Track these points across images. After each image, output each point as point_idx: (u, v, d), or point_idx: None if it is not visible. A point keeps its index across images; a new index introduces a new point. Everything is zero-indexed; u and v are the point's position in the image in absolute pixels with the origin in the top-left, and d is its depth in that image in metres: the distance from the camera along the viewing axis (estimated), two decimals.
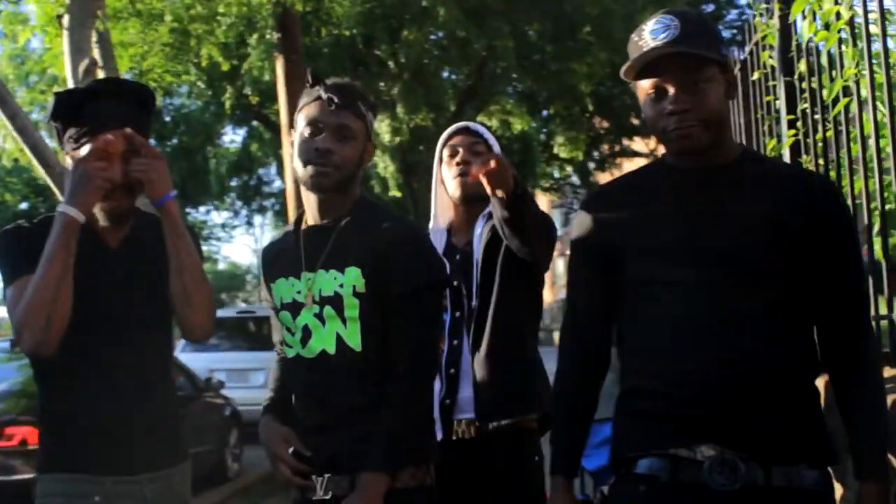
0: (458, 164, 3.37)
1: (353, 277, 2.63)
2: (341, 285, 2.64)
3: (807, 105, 3.97)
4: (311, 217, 2.78)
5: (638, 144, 28.00)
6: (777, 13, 4.30)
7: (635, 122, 24.58)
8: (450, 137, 3.47)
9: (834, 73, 3.56)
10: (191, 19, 12.70)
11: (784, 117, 4.25)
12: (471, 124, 3.50)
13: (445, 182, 3.45)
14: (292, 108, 14.37)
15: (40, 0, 8.18)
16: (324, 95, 2.68)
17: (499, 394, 3.23)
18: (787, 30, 4.25)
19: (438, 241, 3.37)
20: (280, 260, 2.83)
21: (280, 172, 24.70)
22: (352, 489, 2.56)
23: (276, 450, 2.72)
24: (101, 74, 7.07)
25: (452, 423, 3.26)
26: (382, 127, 17.17)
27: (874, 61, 3.29)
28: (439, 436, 3.06)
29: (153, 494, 2.70)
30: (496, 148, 3.40)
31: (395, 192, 19.31)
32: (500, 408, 3.23)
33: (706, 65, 2.25)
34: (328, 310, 2.65)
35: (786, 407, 2.22)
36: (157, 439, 2.75)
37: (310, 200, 2.75)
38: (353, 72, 17.36)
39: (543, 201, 36.99)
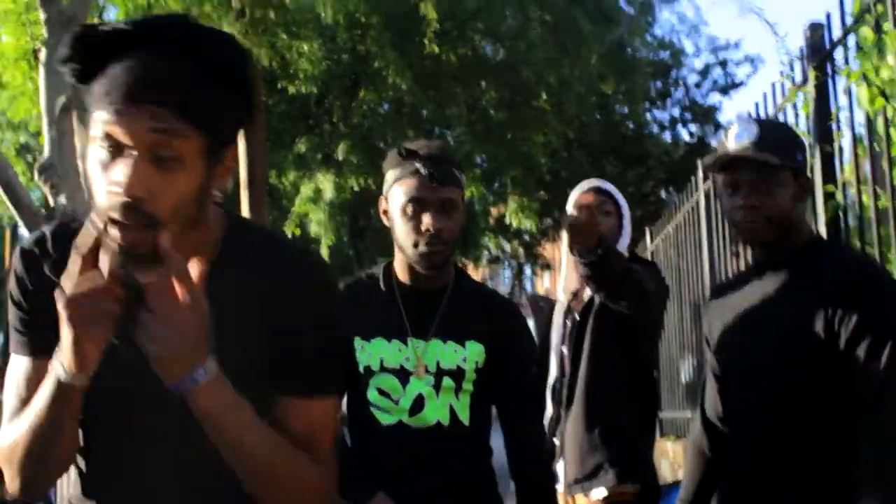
0: None
1: (475, 353, 2.70)
2: (464, 359, 2.69)
3: (850, 176, 3.88)
4: (407, 279, 2.78)
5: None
6: (812, 81, 4.22)
7: None
8: (579, 196, 3.39)
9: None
10: None
11: (819, 188, 4.14)
12: (600, 182, 3.40)
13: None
14: (251, 162, 14.26)
15: (14, 34, 7.94)
16: (423, 171, 2.64)
17: (586, 463, 3.11)
18: (823, 97, 4.17)
19: (559, 307, 3.37)
20: (371, 317, 2.74)
21: None
22: None
23: None
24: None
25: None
26: (325, 184, 16.88)
27: None
28: None
29: None
30: (625, 208, 3.32)
31: (324, 250, 18.94)
32: (587, 477, 3.12)
33: (778, 169, 2.54)
34: (447, 381, 2.68)
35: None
36: None
37: (411, 267, 2.75)
38: (304, 130, 17.20)
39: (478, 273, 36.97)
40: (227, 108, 1.59)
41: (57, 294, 1.49)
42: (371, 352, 2.71)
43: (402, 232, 2.70)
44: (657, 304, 3.47)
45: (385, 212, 2.79)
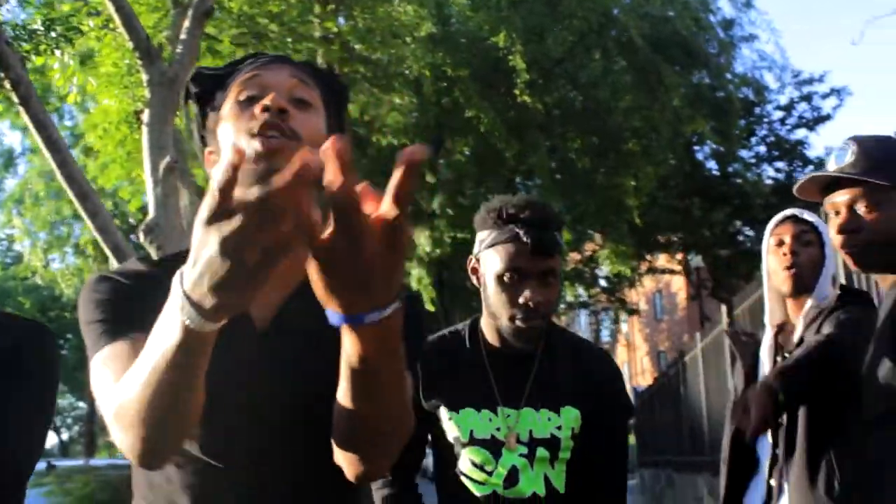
0: (784, 254, 3.12)
1: (571, 419, 2.56)
2: (559, 427, 2.55)
3: None
4: (496, 341, 2.61)
5: (661, 261, 28.03)
6: None
7: (661, 239, 24.59)
8: (776, 226, 3.19)
9: None
10: None
11: None
12: (798, 211, 3.18)
13: (772, 275, 3.19)
14: None
15: (116, 97, 7.95)
16: (525, 238, 2.44)
17: None
18: None
19: (765, 342, 3.11)
20: (459, 385, 2.59)
21: None
22: None
23: None
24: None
25: None
26: (421, 239, 16.87)
27: None
28: None
29: None
30: (826, 237, 3.07)
31: (429, 307, 18.93)
32: None
33: (879, 189, 2.39)
34: (541, 451, 2.54)
35: None
36: None
37: (501, 331, 2.57)
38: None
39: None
40: (332, 99, 1.75)
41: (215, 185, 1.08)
42: (460, 423, 2.56)
43: (496, 301, 2.52)
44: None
45: (475, 270, 2.61)
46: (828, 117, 25.21)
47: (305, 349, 1.71)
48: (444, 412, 2.57)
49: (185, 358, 1.29)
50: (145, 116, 6.78)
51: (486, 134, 15.31)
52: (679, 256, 27.32)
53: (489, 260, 2.52)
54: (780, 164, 25.67)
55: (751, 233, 26.97)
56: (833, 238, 2.46)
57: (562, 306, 27.33)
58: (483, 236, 2.55)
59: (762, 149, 25.43)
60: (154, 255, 6.51)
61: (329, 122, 1.71)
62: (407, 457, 2.38)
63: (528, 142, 16.17)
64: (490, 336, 2.62)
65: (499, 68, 14.83)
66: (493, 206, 2.52)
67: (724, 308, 11.34)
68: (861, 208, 2.40)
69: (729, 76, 20.23)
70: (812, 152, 25.40)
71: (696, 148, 23.12)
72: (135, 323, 1.59)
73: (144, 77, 6.80)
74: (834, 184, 2.44)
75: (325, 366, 1.56)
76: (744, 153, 24.12)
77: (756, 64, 23.13)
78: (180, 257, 1.57)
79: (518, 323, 2.48)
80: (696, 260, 24.90)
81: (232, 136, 1.63)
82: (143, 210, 12.54)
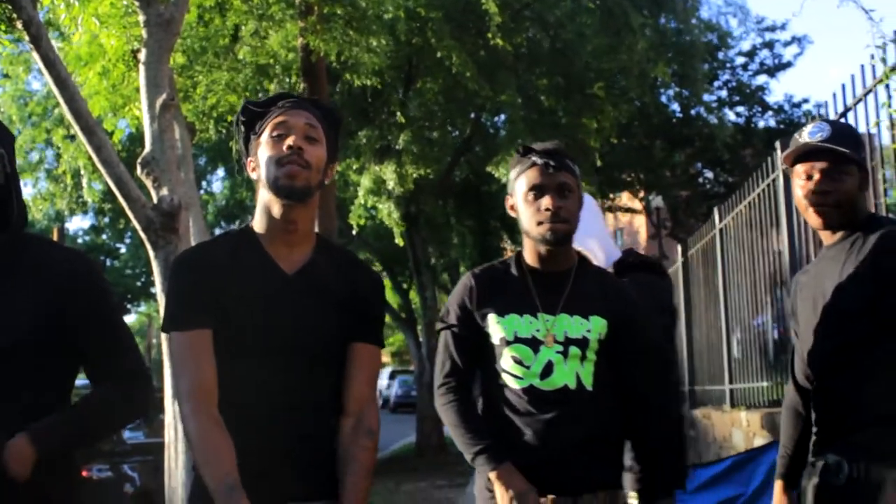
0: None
1: (599, 326, 3.05)
2: (588, 330, 3.04)
3: None
4: (536, 263, 3.13)
5: (624, 200, 28.52)
6: None
7: (626, 177, 25.05)
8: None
9: None
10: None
11: None
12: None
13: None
14: None
15: (113, 35, 8.27)
16: (539, 161, 3.04)
17: None
18: None
19: None
20: (504, 297, 3.10)
21: None
22: None
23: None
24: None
25: None
26: (388, 174, 17.24)
27: None
28: None
29: None
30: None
31: (398, 241, 19.35)
32: None
33: (845, 161, 2.93)
34: (573, 350, 3.02)
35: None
36: (307, 474, 2.62)
37: (538, 250, 3.10)
38: (363, 120, 17.54)
39: None
40: (332, 129, 2.77)
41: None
42: (506, 326, 3.05)
43: (526, 217, 3.07)
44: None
45: (512, 207, 3.16)
46: (788, 64, 25.72)
47: (321, 295, 2.69)
48: (492, 318, 3.06)
49: None
50: (142, 56, 7.12)
51: (457, 74, 15.66)
52: (641, 196, 27.81)
53: (517, 189, 3.10)
54: (740, 109, 26.16)
55: (710, 175, 27.57)
56: (801, 198, 2.99)
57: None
58: (512, 175, 3.15)
59: (724, 93, 25.91)
60: (151, 187, 6.91)
61: (329, 147, 2.73)
62: (465, 368, 3.11)
63: (498, 81, 16.53)
64: (530, 259, 3.13)
65: (470, 10, 15.17)
66: (517, 151, 3.15)
67: (679, 247, 11.93)
68: (831, 175, 2.92)
69: (694, 21, 20.65)
70: (772, 98, 25.95)
71: (660, 91, 23.56)
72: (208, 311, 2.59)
73: (141, 18, 7.12)
74: (806, 154, 2.96)
75: (333, 311, 2.68)
76: (706, 97, 24.59)
77: (721, 10, 23.54)
78: (242, 233, 2.76)
79: (546, 226, 3.01)
80: (657, 200, 25.41)
81: (265, 159, 2.66)
82: (123, 142, 12.86)
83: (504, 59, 16.45)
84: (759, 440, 6.86)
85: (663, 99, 23.83)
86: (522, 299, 3.07)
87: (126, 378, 2.62)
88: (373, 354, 2.76)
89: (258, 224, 2.72)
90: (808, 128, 3.01)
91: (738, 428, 8.11)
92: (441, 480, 16.45)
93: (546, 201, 3.00)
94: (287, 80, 14.89)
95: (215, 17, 12.62)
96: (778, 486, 3.24)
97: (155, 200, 6.79)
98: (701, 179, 27.62)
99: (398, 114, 17.00)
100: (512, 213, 3.17)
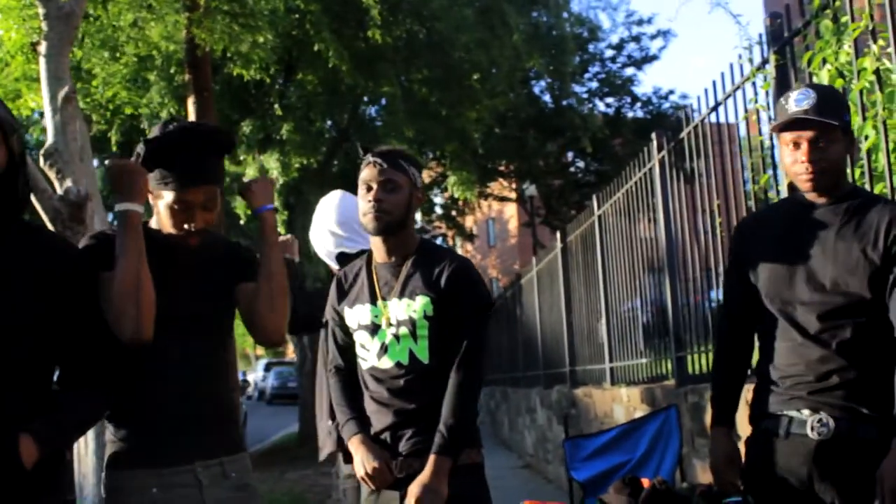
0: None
1: (423, 304, 3.36)
2: (414, 311, 3.36)
3: None
4: (378, 255, 3.50)
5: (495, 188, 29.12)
6: (773, 63, 4.93)
7: (500, 167, 25.64)
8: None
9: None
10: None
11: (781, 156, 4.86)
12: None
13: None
14: None
15: (13, 28, 8.27)
16: (371, 159, 3.40)
17: None
18: (783, 78, 4.89)
19: None
20: (354, 290, 3.52)
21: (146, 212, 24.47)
22: (420, 469, 3.25)
23: (379, 470, 3.33)
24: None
25: None
26: (270, 164, 17.42)
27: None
28: None
29: (208, 480, 2.97)
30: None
31: (280, 229, 19.47)
32: None
33: (832, 128, 3.03)
34: (402, 330, 3.38)
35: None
36: (214, 430, 3.04)
37: (376, 243, 3.48)
38: (245, 111, 17.64)
39: None
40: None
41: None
42: (354, 315, 3.48)
43: (360, 211, 3.43)
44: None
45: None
46: (654, 57, 26.67)
47: (222, 274, 3.11)
48: (346, 310, 3.51)
49: (134, 239, 2.81)
50: (42, 48, 7.19)
51: (335, 67, 15.91)
52: (514, 185, 28.44)
53: (359, 187, 3.44)
54: (610, 100, 27.01)
55: (581, 164, 28.38)
56: (790, 165, 3.08)
57: None
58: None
59: (594, 84, 26.71)
60: (54, 179, 7.02)
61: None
62: (341, 354, 3.57)
63: (378, 73, 16.84)
64: (375, 253, 3.51)
65: (349, 2, 15.44)
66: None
67: (558, 234, 12.41)
68: (820, 143, 3.00)
69: (566, 15, 21.29)
70: (639, 89, 26.87)
71: (532, 82, 24.18)
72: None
73: (41, 11, 7.19)
74: (798, 121, 3.01)
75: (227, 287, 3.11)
76: (577, 88, 25.33)
77: (591, 4, 24.29)
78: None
79: (369, 216, 3.35)
80: (531, 189, 26.04)
81: (165, 219, 2.99)
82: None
83: (383, 52, 16.74)
84: (640, 413, 7.29)
85: (536, 90, 24.46)
86: (367, 290, 3.46)
87: (102, 370, 2.78)
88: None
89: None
90: (794, 94, 3.09)
91: (619, 403, 8.58)
92: (326, 468, 16.62)
93: (371, 195, 3.36)
94: (168, 71, 14.92)
95: (98, 8, 12.60)
96: (721, 432, 3.28)
97: (59, 192, 6.90)
98: (573, 169, 28.42)
99: (278, 105, 17.16)
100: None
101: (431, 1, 17.29)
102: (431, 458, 3.24)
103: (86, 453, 7.01)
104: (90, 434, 6.89)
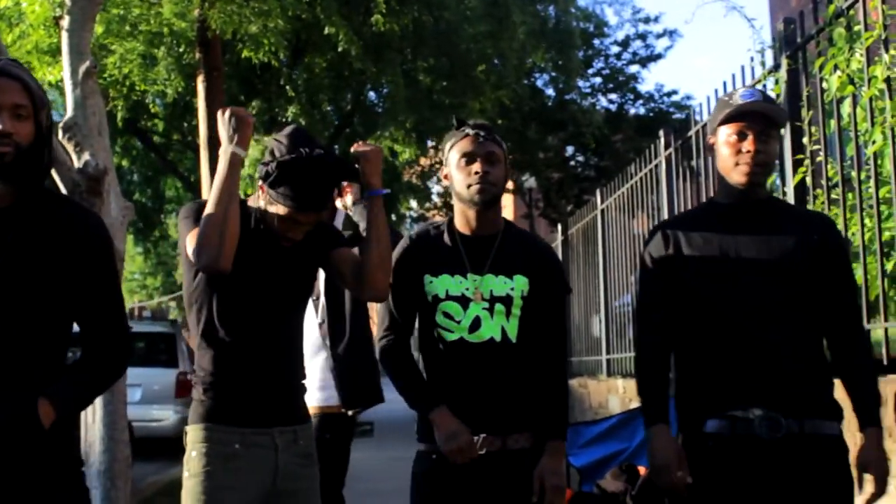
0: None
1: (521, 284, 3.36)
2: (512, 289, 3.34)
3: (817, 147, 4.74)
4: (465, 227, 3.41)
5: None
6: (785, 67, 5.07)
7: None
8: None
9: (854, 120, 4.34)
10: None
11: (789, 156, 5.01)
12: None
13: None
14: (211, 122, 14.71)
15: (36, 1, 8.34)
16: (471, 132, 3.36)
17: None
18: (794, 82, 5.03)
19: None
20: (436, 258, 3.41)
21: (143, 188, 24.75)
22: (504, 447, 3.28)
23: (470, 445, 3.24)
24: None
25: None
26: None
27: None
28: None
29: (282, 444, 3.20)
30: None
31: None
32: None
33: (773, 126, 3.12)
34: (499, 306, 3.33)
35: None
36: (290, 400, 3.30)
37: (467, 215, 3.39)
38: (252, 93, 17.74)
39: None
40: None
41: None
42: (439, 284, 3.37)
43: (458, 182, 3.35)
44: None
45: (446, 176, 3.44)
46: (659, 56, 26.76)
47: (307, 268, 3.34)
48: (426, 278, 3.37)
49: (230, 178, 3.06)
50: (65, 22, 7.26)
51: (343, 51, 16.02)
52: (513, 176, 28.52)
53: (451, 158, 3.38)
54: (613, 96, 27.12)
55: (582, 158, 28.50)
56: (729, 156, 3.09)
57: (393, 217, 28.26)
58: (446, 147, 3.42)
59: (598, 80, 26.81)
60: (73, 152, 7.11)
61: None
62: (403, 321, 3.47)
63: (385, 59, 16.96)
64: (460, 224, 3.41)
65: None
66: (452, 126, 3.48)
67: (559, 227, 12.55)
68: (762, 137, 3.05)
69: (573, 10, 21.41)
70: (643, 87, 26.95)
71: (536, 75, 24.28)
72: None
73: None
74: (747, 112, 3.06)
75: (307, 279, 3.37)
76: (581, 83, 25.43)
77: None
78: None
79: (475, 188, 3.29)
80: (530, 181, 26.16)
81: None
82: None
83: (390, 39, 16.85)
84: (635, 404, 7.42)
85: (539, 83, 24.55)
86: (453, 260, 3.36)
87: (115, 339, 2.86)
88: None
89: None
90: (740, 91, 3.18)
91: (615, 394, 8.75)
92: None
93: (476, 166, 3.28)
94: (177, 49, 15.01)
95: None
96: (665, 429, 3.14)
97: (78, 164, 6.99)
98: (573, 163, 28.53)
99: (287, 87, 17.26)
100: (445, 183, 3.50)
101: None
102: (552, 443, 3.28)
103: (93, 421, 7.12)
104: (98, 402, 6.97)
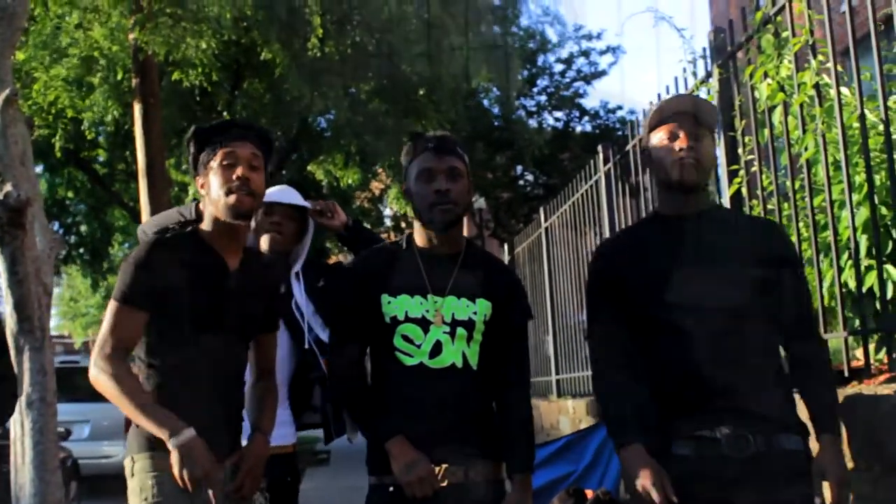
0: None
1: (484, 308, 3.21)
2: (475, 312, 3.19)
3: (752, 156, 4.64)
4: (426, 245, 3.25)
5: None
6: (716, 76, 4.98)
7: None
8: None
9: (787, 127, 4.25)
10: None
11: (724, 167, 4.91)
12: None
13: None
14: (149, 150, 14.50)
15: None
16: (430, 144, 3.18)
17: None
18: (726, 91, 4.94)
19: None
20: (395, 278, 3.21)
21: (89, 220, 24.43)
22: (466, 478, 3.11)
23: (429, 477, 3.04)
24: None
25: None
26: None
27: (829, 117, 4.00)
28: None
29: (228, 474, 3.14)
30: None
31: None
32: None
33: (708, 125, 3.15)
34: (460, 331, 3.17)
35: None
36: (231, 430, 3.27)
37: (429, 233, 3.23)
38: (191, 118, 17.49)
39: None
40: (268, 153, 3.23)
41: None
42: (397, 305, 3.16)
43: (419, 198, 3.16)
44: None
45: (406, 193, 3.28)
46: (603, 73, 26.88)
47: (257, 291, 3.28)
48: (384, 298, 3.17)
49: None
50: None
51: (282, 77, 15.87)
52: None
53: (409, 173, 3.22)
54: (558, 114, 27.17)
55: (530, 177, 28.50)
56: (664, 156, 3.08)
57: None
58: (404, 161, 3.25)
59: (543, 98, 26.85)
60: None
61: (266, 170, 3.14)
62: (357, 343, 3.27)
63: (325, 84, 16.81)
64: (421, 241, 3.25)
65: (296, 13, 15.42)
66: (409, 142, 3.30)
67: (506, 246, 12.45)
68: (694, 135, 3.07)
69: (515, 29, 21.40)
70: (588, 103, 27.04)
71: (481, 94, 24.26)
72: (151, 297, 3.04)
73: None
74: (678, 113, 3.11)
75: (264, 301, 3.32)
76: (527, 102, 25.45)
77: (540, 18, 24.45)
78: (181, 233, 3.23)
79: (437, 209, 3.13)
80: (480, 201, 26.07)
81: (216, 187, 3.08)
82: None
83: (331, 63, 16.71)
84: (585, 424, 7.33)
85: (485, 103, 24.53)
86: (413, 280, 3.18)
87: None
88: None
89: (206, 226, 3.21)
90: (671, 94, 3.29)
91: (565, 415, 8.61)
92: None
93: (437, 184, 3.11)
94: (113, 76, 14.77)
95: (37, 7, 12.44)
96: (640, 449, 2.95)
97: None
98: (521, 182, 28.51)
99: (225, 113, 17.07)
100: (408, 200, 3.29)
101: (380, 13, 17.31)
102: (519, 476, 3.16)
103: (23, 462, 6.87)
104: (28, 444, 6.75)
